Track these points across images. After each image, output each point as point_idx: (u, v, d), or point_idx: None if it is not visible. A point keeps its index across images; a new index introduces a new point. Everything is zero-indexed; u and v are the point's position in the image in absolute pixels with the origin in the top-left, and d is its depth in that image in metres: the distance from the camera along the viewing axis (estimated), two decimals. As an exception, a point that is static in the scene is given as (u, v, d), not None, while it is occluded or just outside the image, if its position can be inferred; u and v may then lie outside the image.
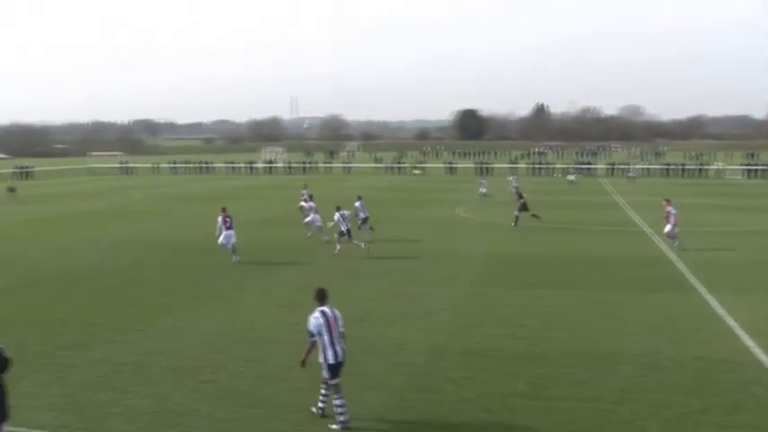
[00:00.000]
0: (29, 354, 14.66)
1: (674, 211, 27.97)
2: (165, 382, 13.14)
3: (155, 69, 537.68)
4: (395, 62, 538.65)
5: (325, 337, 10.88)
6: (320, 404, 11.43)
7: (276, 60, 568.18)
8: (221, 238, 25.67)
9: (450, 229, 34.72)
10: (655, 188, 61.09)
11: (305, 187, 39.36)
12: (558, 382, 13.04)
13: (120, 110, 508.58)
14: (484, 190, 50.95)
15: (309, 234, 30.82)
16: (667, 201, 28.86)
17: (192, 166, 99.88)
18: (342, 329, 11.09)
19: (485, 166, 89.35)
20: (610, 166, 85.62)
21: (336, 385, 11.01)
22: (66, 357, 14.57)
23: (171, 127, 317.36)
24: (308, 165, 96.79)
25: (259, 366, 13.88)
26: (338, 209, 27.53)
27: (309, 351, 11.02)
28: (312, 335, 10.94)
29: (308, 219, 30.69)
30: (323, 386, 11.29)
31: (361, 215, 30.72)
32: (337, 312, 11.22)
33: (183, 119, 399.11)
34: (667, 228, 28.04)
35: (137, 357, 14.53)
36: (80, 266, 25.08)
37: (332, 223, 27.61)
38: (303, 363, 11.16)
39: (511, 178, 53.59)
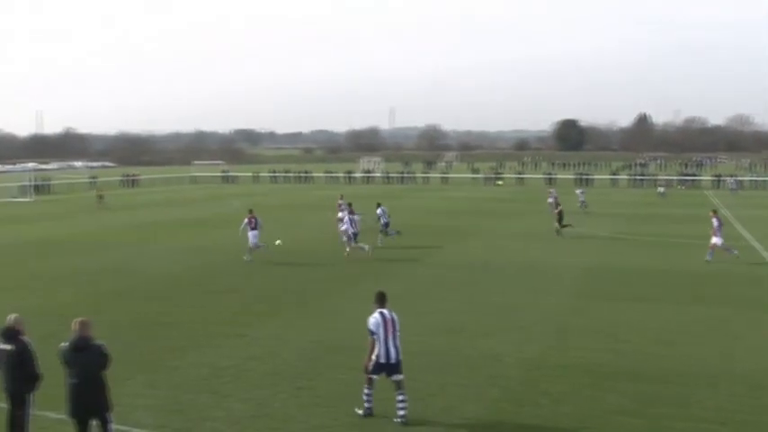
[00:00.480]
0: (134, 355, 15.23)
1: (716, 224, 27.52)
2: (264, 386, 13.39)
3: (256, 80, 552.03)
4: (495, 71, 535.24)
5: (382, 336, 11.50)
6: (366, 405, 11.82)
7: (375, 70, 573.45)
8: (250, 238, 27.91)
9: (547, 239, 34.16)
10: (763, 201, 58.37)
11: (341, 198, 40.29)
12: (663, 400, 12.59)
13: (222, 120, 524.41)
14: (582, 198, 50.82)
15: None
16: (714, 212, 28.59)
17: (291, 175, 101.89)
18: (398, 332, 11.64)
19: (584, 177, 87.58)
20: (715, 178, 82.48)
21: (399, 382, 11.59)
22: (169, 360, 15.07)
23: (271, 136, 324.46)
24: (405, 175, 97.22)
25: (356, 374, 13.97)
26: (351, 213, 29.35)
27: (372, 350, 11.54)
28: (372, 333, 11.55)
29: (342, 228, 30.11)
30: (366, 386, 11.78)
31: (383, 221, 32.70)
32: (395, 315, 11.76)
33: (282, 129, 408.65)
34: (715, 240, 27.43)
35: (237, 362, 14.89)
36: (185, 272, 25.92)
37: (344, 227, 29.14)
38: (366, 368, 11.66)
39: (579, 191, 52.84)
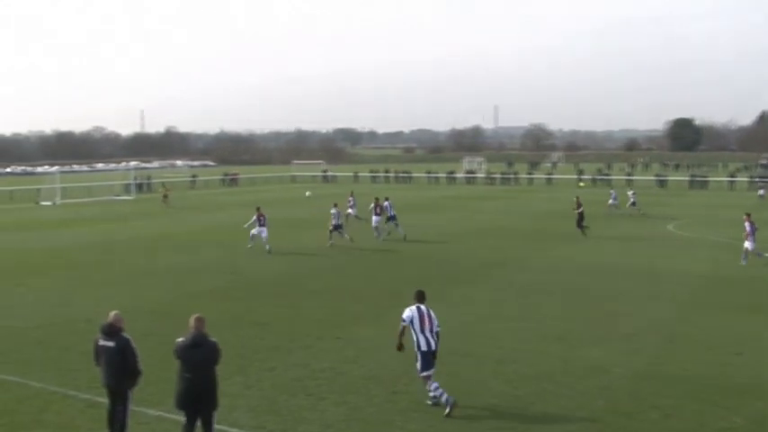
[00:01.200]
0: (231, 355, 15.61)
1: (748, 228, 27.71)
2: (359, 390, 13.54)
3: (356, 79, 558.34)
4: (601, 69, 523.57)
5: (416, 326, 12.70)
6: (443, 398, 12.46)
7: (478, 67, 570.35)
8: (254, 231, 31.86)
9: (659, 245, 33.15)
10: None
11: (351, 194, 44.00)
12: (783, 419, 12.02)
13: (322, 119, 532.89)
14: (611, 201, 50.06)
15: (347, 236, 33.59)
16: (747, 215, 28.17)
17: (391, 175, 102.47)
18: (437, 329, 12.82)
19: (698, 179, 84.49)
20: None
21: (428, 377, 12.53)
22: (265, 361, 15.42)
23: (371, 136, 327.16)
24: (508, 176, 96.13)
25: (453, 380, 13.93)
26: (335, 205, 34.33)
27: (402, 333, 12.89)
28: (404, 321, 12.83)
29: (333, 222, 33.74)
30: (429, 383, 12.60)
31: (389, 213, 36.46)
32: (433, 313, 12.94)
33: (383, 128, 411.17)
34: (747, 244, 27.49)
35: (333, 364, 15.10)
36: (282, 272, 26.47)
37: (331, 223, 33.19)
38: (400, 346, 13.02)
39: (630, 192, 51.36)
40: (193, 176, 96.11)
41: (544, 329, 17.81)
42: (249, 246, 31.92)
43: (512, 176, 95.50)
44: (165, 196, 60.62)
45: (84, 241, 35.93)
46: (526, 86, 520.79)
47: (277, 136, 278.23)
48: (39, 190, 69.85)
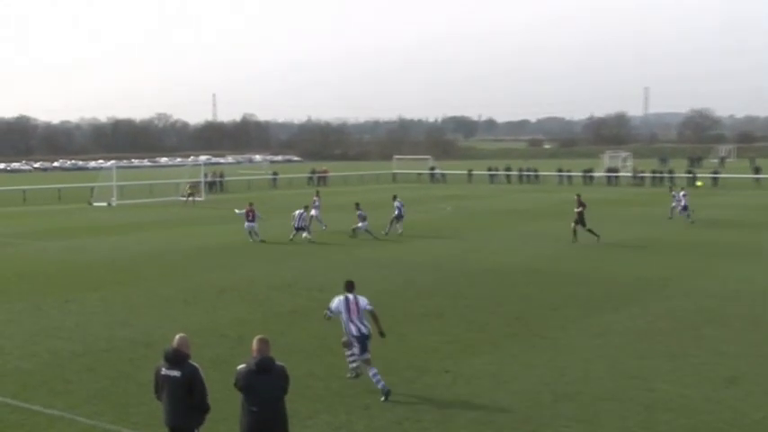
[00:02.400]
0: (317, 388, 15.77)
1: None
2: (472, 437, 13.42)
3: (467, 60, 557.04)
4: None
5: (344, 316, 15.82)
6: (351, 366, 16.25)
7: (624, 43, 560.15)
8: (245, 225, 39.15)
9: None
10: None
11: (317, 194, 48.66)
12: None
13: (429, 105, 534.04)
14: (674, 204, 50.43)
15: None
16: None
17: (513, 173, 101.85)
18: (369, 307, 15.98)
19: None
20: None
21: (368, 360, 15.68)
22: (358, 397, 15.47)
23: (489, 126, 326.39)
24: (662, 175, 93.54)
25: (590, 429, 13.64)
26: (305, 208, 41.49)
27: (326, 318, 16.43)
28: (329, 310, 16.11)
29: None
30: (346, 351, 16.19)
31: (396, 213, 42.35)
32: (360, 299, 15.93)
33: (504, 116, 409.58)
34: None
35: (440, 403, 15.00)
36: (381, 291, 26.56)
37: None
38: (348, 344, 16.00)
39: (681, 193, 49.72)
40: (274, 174, 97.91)
41: (710, 370, 17.24)
42: (251, 240, 38.63)
43: (666, 175, 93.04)
44: (191, 194, 62.09)
45: (144, 250, 37.09)
46: (685, 63, 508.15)
47: (375, 126, 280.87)
48: (92, 188, 72.55)
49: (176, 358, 10.81)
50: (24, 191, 74.80)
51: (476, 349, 18.93)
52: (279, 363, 10.61)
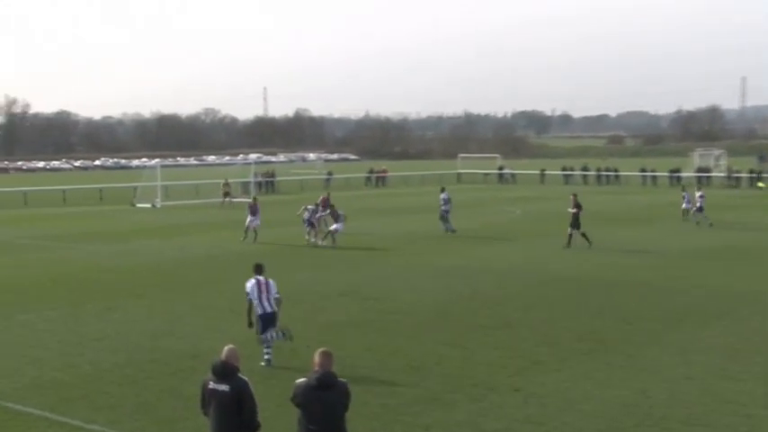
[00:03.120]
0: (372, 406, 15.84)
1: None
2: (542, 461, 13.40)
3: (539, 49, 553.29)
4: None
5: (255, 295, 18.94)
6: (266, 356, 18.77)
7: (721, 30, 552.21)
8: (247, 221, 41.52)
9: None
10: None
11: (328, 194, 48.76)
12: None
13: (496, 99, 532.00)
14: (685, 205, 51.77)
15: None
16: None
17: (591, 173, 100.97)
18: (277, 296, 19.26)
19: None
20: None
21: (265, 339, 18.64)
22: (419, 416, 15.51)
23: (564, 121, 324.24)
24: (761, 175, 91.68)
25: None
26: (317, 205, 43.12)
27: (249, 310, 19.04)
28: (248, 293, 19.03)
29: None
30: (262, 343, 18.81)
31: (443, 207, 44.93)
32: (271, 281, 19.25)
33: (580, 110, 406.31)
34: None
35: (509, 424, 15.00)
36: (451, 299, 26.63)
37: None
38: (250, 324, 19.07)
39: (698, 194, 49.61)
40: (329, 174, 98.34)
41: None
42: (241, 239, 41.16)
43: (766, 176, 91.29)
44: (227, 194, 62.63)
45: (189, 254, 37.62)
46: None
47: (438, 122, 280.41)
48: (135, 188, 73.68)
49: (225, 371, 10.90)
50: (64, 191, 76.19)
51: (547, 366, 18.86)
52: (341, 379, 10.68)
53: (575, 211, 39.01)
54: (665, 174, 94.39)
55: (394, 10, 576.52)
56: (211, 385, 10.94)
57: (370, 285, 29.16)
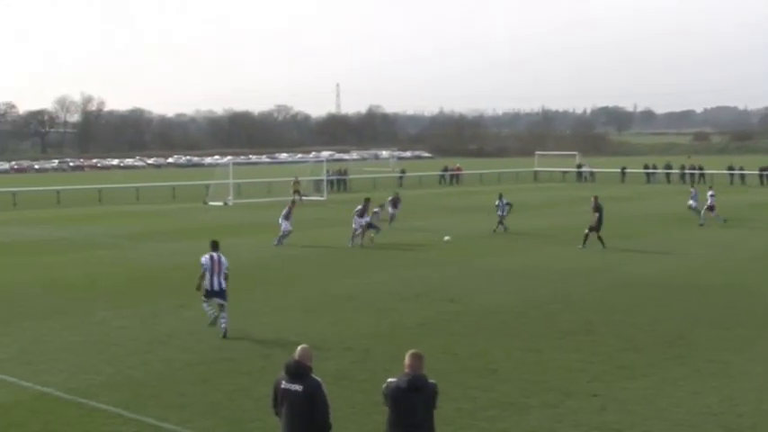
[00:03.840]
0: (447, 410, 15.75)
1: None
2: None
3: (619, 43, 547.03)
4: None
5: (209, 271, 21.78)
6: (209, 315, 22.12)
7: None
8: (280, 221, 41.03)
9: None
10: None
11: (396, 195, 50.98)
12: None
13: (575, 95, 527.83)
14: (692, 202, 51.75)
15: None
16: None
17: (674, 172, 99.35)
18: (226, 271, 22.01)
19: None
20: None
21: (222, 305, 21.77)
22: (493, 420, 15.49)
23: (647, 117, 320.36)
24: None
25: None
26: (380, 206, 45.20)
27: (201, 277, 21.93)
28: (203, 265, 21.91)
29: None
30: (204, 301, 22.18)
31: (499, 213, 45.60)
32: (223, 258, 22.07)
33: (664, 106, 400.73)
34: None
35: (585, 431, 14.89)
36: (529, 301, 26.51)
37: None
38: (198, 287, 22.12)
39: (708, 193, 49.31)
40: (402, 171, 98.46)
41: None
42: (277, 241, 40.44)
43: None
44: (297, 191, 63.10)
45: (262, 253, 37.98)
46: None
47: (514, 118, 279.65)
48: (207, 186, 74.54)
49: (298, 371, 10.97)
50: (138, 189, 77.42)
51: (630, 371, 18.64)
52: (431, 381, 10.80)
53: (597, 214, 38.60)
54: (755, 172, 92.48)
55: (469, 6, 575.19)
56: (284, 385, 11.02)
57: (445, 286, 29.14)
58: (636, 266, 33.20)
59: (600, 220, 38.47)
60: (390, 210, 48.85)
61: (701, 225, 47.10)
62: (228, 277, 22.17)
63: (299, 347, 11.37)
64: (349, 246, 39.95)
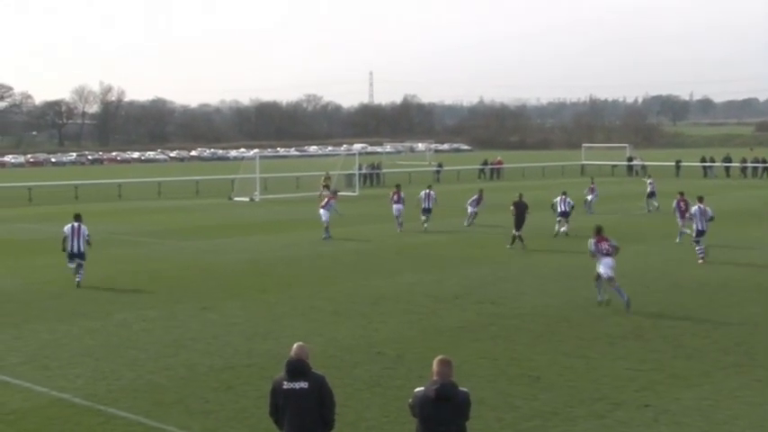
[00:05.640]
0: (487, 419, 15.81)
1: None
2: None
3: (674, 24, 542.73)
4: None
5: (69, 237, 29.17)
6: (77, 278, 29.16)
7: None
8: (321, 213, 42.67)
9: None
10: None
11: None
12: None
13: (626, 83, 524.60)
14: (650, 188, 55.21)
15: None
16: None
17: (734, 165, 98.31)
18: (87, 238, 29.53)
19: None
20: None
21: (80, 264, 29.09)
22: (536, 431, 15.46)
23: (704, 106, 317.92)
24: None
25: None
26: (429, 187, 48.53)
27: (64, 241, 29.47)
28: (64, 232, 29.66)
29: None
30: (68, 264, 29.49)
31: (560, 208, 43.91)
32: (83, 227, 29.50)
33: (723, 94, 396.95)
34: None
35: (637, 444, 14.84)
36: (560, 304, 26.39)
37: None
38: (63, 249, 29.70)
39: (648, 180, 51.57)
40: (439, 165, 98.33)
41: None
42: (323, 237, 41.61)
43: None
44: (327, 186, 63.36)
45: (290, 252, 38.13)
46: None
47: (560, 108, 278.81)
48: (232, 181, 74.93)
49: (300, 369, 11.22)
50: (159, 183, 77.77)
51: (684, 380, 18.52)
52: (462, 389, 10.71)
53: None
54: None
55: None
56: (286, 385, 11.22)
57: (485, 287, 29.11)
58: (689, 267, 32.95)
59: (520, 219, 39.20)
60: (470, 209, 48.29)
61: (649, 211, 49.27)
62: (90, 243, 29.98)
63: (295, 345, 11.59)
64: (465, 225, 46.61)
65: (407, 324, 23.81)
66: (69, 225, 29.71)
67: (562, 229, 43.60)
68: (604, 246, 25.78)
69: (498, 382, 18.19)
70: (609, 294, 25.40)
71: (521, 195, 41.20)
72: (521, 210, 39.61)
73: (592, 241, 25.94)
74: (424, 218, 45.63)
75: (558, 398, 17.23)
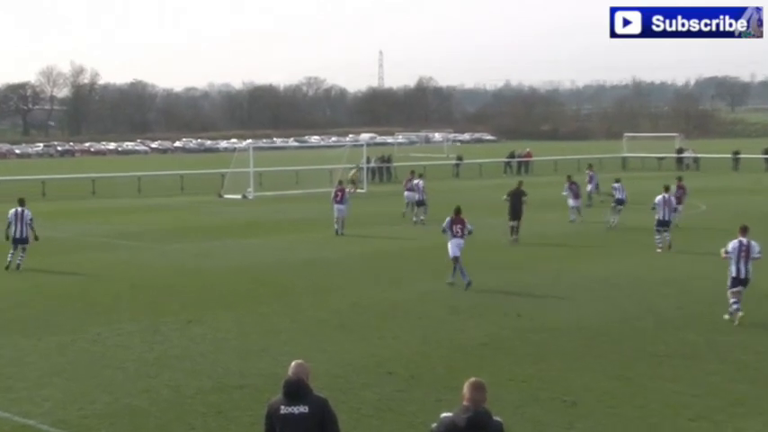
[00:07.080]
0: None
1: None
2: None
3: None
4: None
5: (13, 224, 33.80)
6: (18, 261, 34.01)
7: None
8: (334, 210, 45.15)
9: None
10: None
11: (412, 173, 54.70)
12: None
13: (675, 64, 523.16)
14: (590, 189, 58.25)
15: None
16: None
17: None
18: (29, 222, 33.79)
19: None
20: None
21: (24, 248, 33.94)
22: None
23: (765, 89, 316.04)
24: None
25: None
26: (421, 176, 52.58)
27: (7, 227, 34.06)
28: (8, 218, 34.00)
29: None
30: (10, 254, 34.02)
31: (617, 195, 47.26)
32: (27, 211, 34.04)
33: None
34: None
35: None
36: (599, 318, 26.30)
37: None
38: (6, 237, 34.21)
39: (616, 184, 49.55)
40: (458, 158, 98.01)
41: None
42: (340, 232, 43.91)
43: None
44: (353, 182, 63.58)
45: (289, 257, 38.17)
46: None
47: (598, 92, 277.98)
48: (222, 176, 74.85)
49: (300, 391, 11.17)
50: (139, 178, 77.85)
51: (744, 408, 18.42)
52: (496, 418, 10.59)
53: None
54: None
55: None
56: (283, 410, 11.16)
57: (510, 297, 29.09)
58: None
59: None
60: (572, 202, 50.80)
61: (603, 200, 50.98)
62: (33, 228, 34.07)
63: (293, 363, 11.57)
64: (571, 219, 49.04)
65: (422, 339, 23.72)
66: (13, 210, 34.00)
67: (612, 220, 46.54)
68: (458, 227, 30.97)
69: (528, 408, 18.13)
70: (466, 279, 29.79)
71: (520, 183, 43.70)
72: (517, 199, 41.39)
73: (448, 220, 31.17)
74: (414, 211, 49.66)
75: (598, 426, 17.18)
